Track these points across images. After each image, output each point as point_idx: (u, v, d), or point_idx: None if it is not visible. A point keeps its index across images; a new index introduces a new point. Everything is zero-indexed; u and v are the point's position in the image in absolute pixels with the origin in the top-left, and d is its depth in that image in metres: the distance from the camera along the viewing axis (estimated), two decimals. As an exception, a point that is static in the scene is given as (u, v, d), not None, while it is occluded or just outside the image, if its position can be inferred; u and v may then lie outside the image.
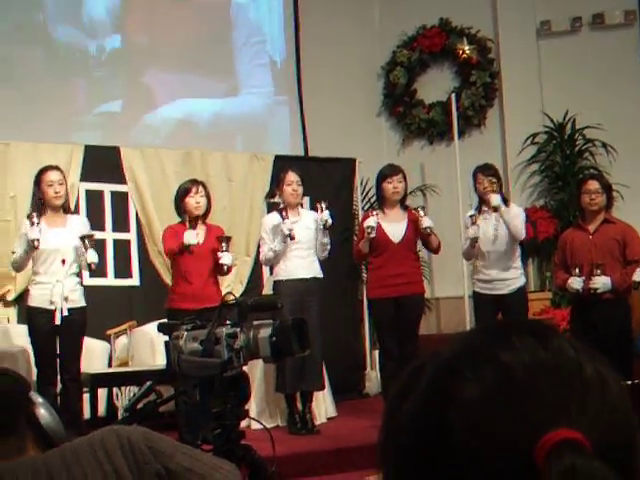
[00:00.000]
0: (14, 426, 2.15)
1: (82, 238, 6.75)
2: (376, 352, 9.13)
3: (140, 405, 2.92)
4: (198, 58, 9.98)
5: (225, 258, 7.02)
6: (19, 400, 2.19)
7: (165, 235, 7.24)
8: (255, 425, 5.03)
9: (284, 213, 7.25)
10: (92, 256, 6.72)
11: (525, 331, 0.96)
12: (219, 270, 7.11)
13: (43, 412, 2.21)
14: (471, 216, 7.59)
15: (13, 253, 6.85)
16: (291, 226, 7.22)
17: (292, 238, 7.23)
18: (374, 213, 7.49)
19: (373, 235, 7.34)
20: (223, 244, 7.00)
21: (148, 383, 2.92)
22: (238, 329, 2.98)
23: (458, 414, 0.91)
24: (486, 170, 7.67)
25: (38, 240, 6.58)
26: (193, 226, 7.05)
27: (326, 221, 7.37)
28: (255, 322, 3.07)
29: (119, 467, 2.06)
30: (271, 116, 10.64)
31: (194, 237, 6.93)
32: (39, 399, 2.23)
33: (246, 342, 2.96)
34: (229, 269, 7.20)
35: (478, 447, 0.89)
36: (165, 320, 7.01)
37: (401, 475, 0.96)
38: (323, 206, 7.43)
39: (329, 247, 7.58)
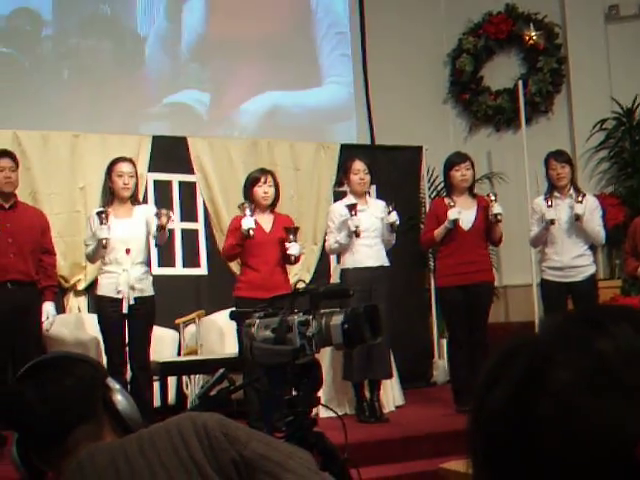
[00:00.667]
0: (92, 412, 2.18)
1: (157, 213, 6.86)
2: (444, 340, 9.10)
3: (213, 392, 2.93)
4: (273, 49, 9.99)
5: (293, 249, 7.04)
6: (96, 386, 2.21)
7: (229, 228, 7.30)
8: (323, 413, 5.05)
9: (353, 211, 7.24)
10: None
11: (621, 318, 0.94)
12: (287, 260, 7.14)
13: (120, 398, 2.23)
14: (546, 199, 7.50)
15: (86, 245, 6.94)
16: (358, 223, 7.22)
17: (357, 235, 7.24)
18: (451, 204, 7.47)
19: (452, 226, 7.40)
20: (290, 235, 7.02)
21: (221, 370, 2.93)
22: (310, 316, 2.98)
23: (552, 401, 0.90)
24: (559, 156, 7.60)
25: (107, 239, 6.68)
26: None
27: (393, 222, 7.39)
28: (325, 310, 3.08)
29: (195, 453, 2.07)
30: (349, 106, 10.64)
31: (251, 222, 6.96)
32: (116, 385, 2.25)
33: (318, 329, 2.97)
34: (297, 259, 7.22)
35: (571, 435, 0.88)
36: (234, 309, 7.12)
37: (491, 462, 0.95)
38: (390, 208, 7.44)
39: (393, 243, 7.60)
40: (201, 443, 2.08)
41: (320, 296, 3.06)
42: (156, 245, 7.14)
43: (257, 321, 3.03)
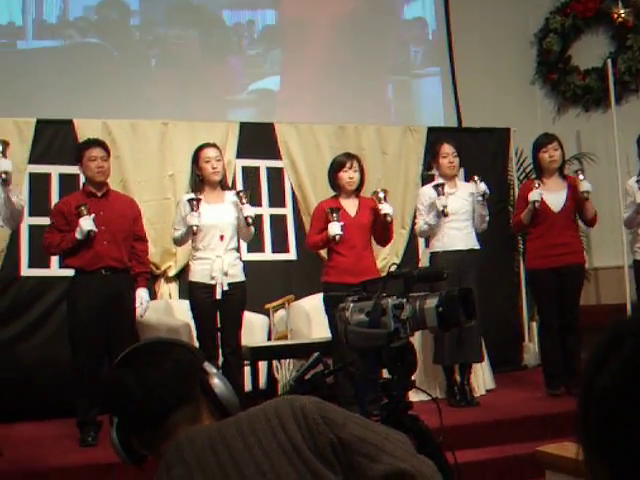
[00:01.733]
0: (190, 395, 2.21)
1: (237, 193, 6.92)
2: (534, 323, 9.03)
3: (308, 376, 2.95)
4: (351, 32, 9.98)
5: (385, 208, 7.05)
6: (194, 370, 2.24)
7: (312, 216, 7.32)
8: (413, 397, 5.05)
9: (440, 189, 7.22)
10: (248, 210, 6.88)
11: None
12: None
13: (217, 382, 2.25)
14: (638, 180, 7.35)
15: (174, 229, 7.02)
16: (445, 202, 7.20)
17: (445, 215, 7.21)
18: (536, 185, 7.40)
19: (538, 207, 7.31)
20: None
21: (316, 354, 2.94)
22: (404, 300, 2.98)
23: None
24: None
25: (197, 226, 6.76)
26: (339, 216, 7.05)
27: (484, 192, 7.33)
28: (419, 293, 3.07)
29: (293, 436, 2.08)
30: (423, 88, 10.59)
31: (338, 229, 6.95)
32: (213, 369, 2.28)
33: (412, 313, 2.96)
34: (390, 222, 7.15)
35: None
36: (322, 293, 7.15)
37: (603, 442, 0.95)
38: (477, 179, 7.40)
39: (488, 218, 7.54)
40: (299, 426, 2.09)
41: (414, 279, 3.06)
42: (244, 240, 7.23)
43: (351, 305, 3.03)
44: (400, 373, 3.01)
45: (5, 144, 6.35)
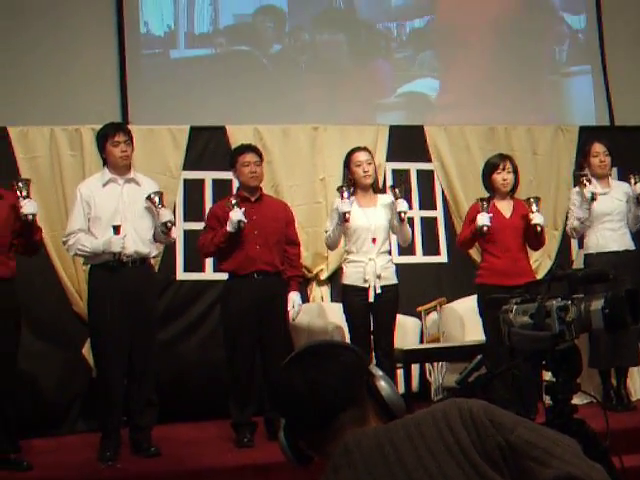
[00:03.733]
0: (357, 397, 2.22)
1: (392, 187, 7.14)
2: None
3: (471, 379, 2.93)
4: (503, 34, 9.87)
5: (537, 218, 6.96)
6: (361, 372, 2.25)
7: (466, 218, 7.29)
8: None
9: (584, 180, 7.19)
10: (402, 205, 6.93)
11: None
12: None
13: (383, 384, 2.26)
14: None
15: (325, 232, 7.09)
16: (594, 189, 7.12)
17: (594, 199, 7.14)
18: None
19: None
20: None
21: (479, 357, 2.93)
22: (569, 301, 2.94)
23: None
24: None
25: (349, 212, 6.80)
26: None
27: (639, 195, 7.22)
28: (583, 295, 3.02)
29: (461, 439, 2.07)
30: (574, 86, 10.39)
31: (487, 219, 6.90)
32: (379, 372, 2.28)
33: (577, 314, 2.92)
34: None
35: None
36: (474, 296, 7.11)
37: None
38: (633, 179, 7.26)
39: None
40: (467, 428, 2.08)
41: (578, 280, 3.01)
42: (403, 241, 7.22)
43: (515, 307, 3.00)
44: (565, 376, 2.97)
45: (160, 194, 6.57)
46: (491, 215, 6.91)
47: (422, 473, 2.05)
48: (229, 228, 6.66)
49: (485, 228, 6.86)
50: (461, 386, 2.88)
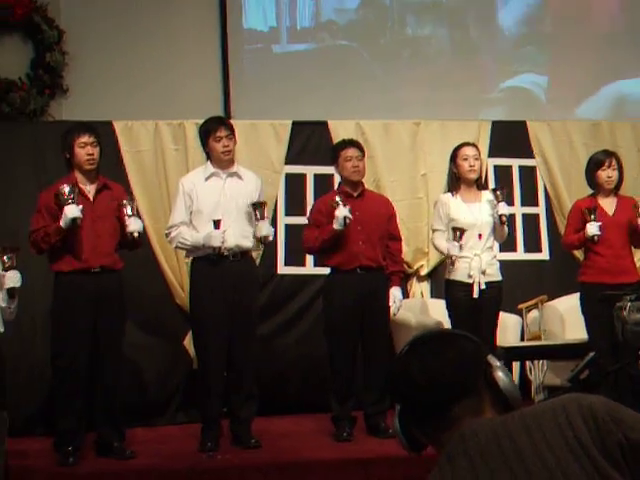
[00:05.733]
0: (473, 387, 2.19)
1: (494, 190, 7.07)
2: None
3: (583, 375, 2.89)
4: (618, 29, 9.70)
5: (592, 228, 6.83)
6: (478, 361, 2.23)
7: (567, 221, 7.29)
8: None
9: None
10: (503, 208, 6.93)
11: None
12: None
13: (501, 375, 2.23)
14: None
15: (433, 231, 7.12)
16: None
17: None
18: None
19: None
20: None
21: (591, 354, 2.89)
22: (685, 300, 2.88)
23: None
24: None
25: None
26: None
27: None
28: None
29: (580, 434, 2.04)
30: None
31: (596, 229, 6.83)
32: (497, 362, 2.26)
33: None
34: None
35: None
36: (577, 294, 7.03)
37: None
38: None
39: None
40: (587, 424, 2.05)
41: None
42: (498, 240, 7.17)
43: (629, 304, 2.96)
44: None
45: (262, 205, 6.63)
46: (600, 223, 6.82)
47: (540, 466, 2.03)
48: (335, 226, 6.67)
49: (596, 237, 6.80)
50: (572, 384, 2.84)
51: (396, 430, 2.29)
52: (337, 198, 6.68)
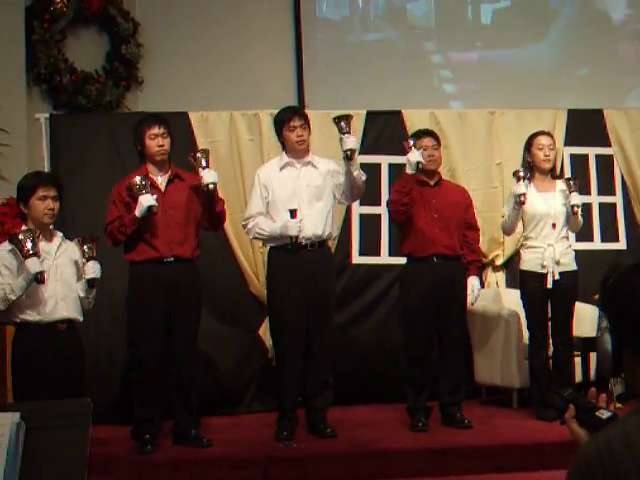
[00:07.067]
0: None
1: (566, 180, 7.00)
2: None
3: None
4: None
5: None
6: None
7: None
8: None
9: None
10: (575, 198, 6.87)
11: None
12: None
13: None
14: None
15: (502, 217, 7.04)
16: None
17: None
18: None
19: None
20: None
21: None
22: None
23: None
24: None
25: (524, 195, 6.77)
26: None
27: None
28: None
29: None
30: None
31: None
32: None
33: None
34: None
35: None
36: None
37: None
38: None
39: None
40: None
41: None
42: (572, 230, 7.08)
43: None
44: None
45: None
46: None
47: None
48: (408, 170, 6.70)
49: None
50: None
51: (605, 350, 2.21)
52: (410, 141, 6.67)
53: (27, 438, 2.78)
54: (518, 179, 6.85)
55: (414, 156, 6.60)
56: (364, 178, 6.69)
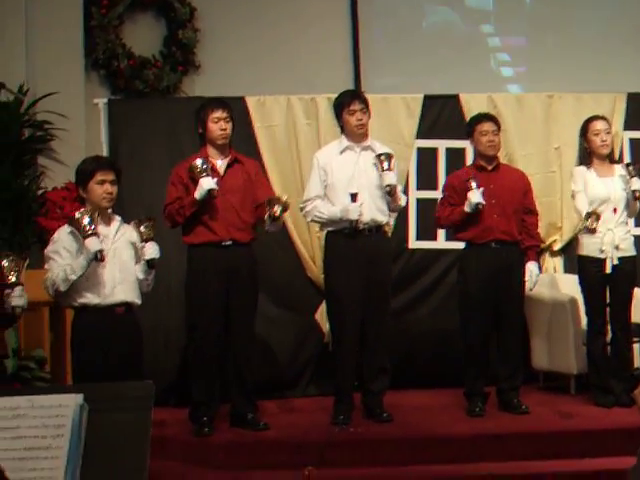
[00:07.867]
0: None
1: (626, 166, 6.95)
2: None
3: None
4: None
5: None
6: None
7: None
8: None
9: None
10: (638, 184, 6.75)
11: None
12: None
13: None
14: None
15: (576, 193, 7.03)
16: None
17: None
18: None
19: None
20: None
21: None
22: None
23: None
24: None
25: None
26: None
27: None
28: None
29: None
30: None
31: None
32: None
33: None
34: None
35: None
36: None
37: None
38: None
39: None
40: None
41: None
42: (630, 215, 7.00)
43: None
44: None
45: (389, 157, 6.58)
46: None
47: None
48: (466, 209, 6.69)
49: None
50: None
51: None
52: (472, 183, 6.63)
53: (90, 420, 2.80)
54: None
55: (475, 197, 6.60)
56: (404, 204, 6.87)
